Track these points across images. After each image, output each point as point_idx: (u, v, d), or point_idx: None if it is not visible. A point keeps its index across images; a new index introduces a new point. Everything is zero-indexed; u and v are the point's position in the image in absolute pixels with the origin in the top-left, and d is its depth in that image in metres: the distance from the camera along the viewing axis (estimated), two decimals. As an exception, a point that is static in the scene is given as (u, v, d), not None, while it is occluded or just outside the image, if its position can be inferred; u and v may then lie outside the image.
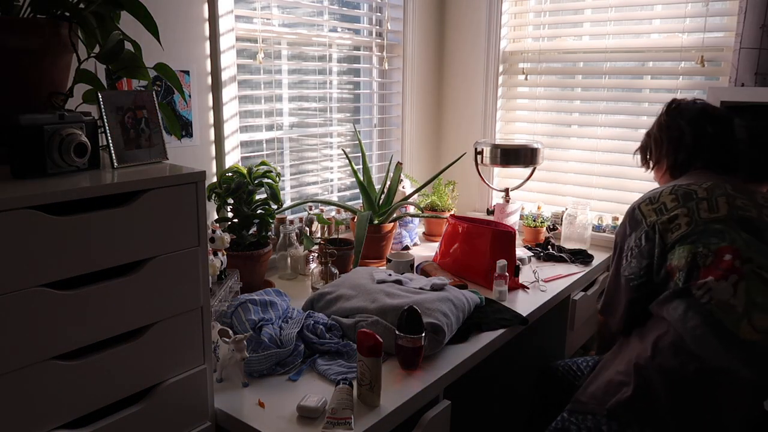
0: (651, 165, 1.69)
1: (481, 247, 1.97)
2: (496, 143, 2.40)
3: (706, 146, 1.54)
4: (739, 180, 1.50)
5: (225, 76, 1.90)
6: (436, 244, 2.50)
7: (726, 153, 1.55)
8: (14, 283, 0.88)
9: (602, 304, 1.57)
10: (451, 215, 2.16)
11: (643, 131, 2.35)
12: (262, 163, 1.89)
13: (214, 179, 1.92)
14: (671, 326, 1.30)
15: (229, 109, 1.94)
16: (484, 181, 2.56)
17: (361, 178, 2.23)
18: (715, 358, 1.23)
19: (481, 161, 2.42)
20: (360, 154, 2.28)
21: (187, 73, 1.81)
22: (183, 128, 1.82)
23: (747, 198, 1.40)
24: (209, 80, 1.88)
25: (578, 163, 2.57)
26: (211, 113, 1.91)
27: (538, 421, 1.87)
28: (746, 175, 1.76)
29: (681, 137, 1.57)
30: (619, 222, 1.69)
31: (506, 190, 2.50)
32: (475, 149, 2.41)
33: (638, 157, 1.74)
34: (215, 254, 1.62)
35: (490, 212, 2.66)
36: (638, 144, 1.74)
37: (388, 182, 2.31)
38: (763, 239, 1.33)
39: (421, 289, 1.62)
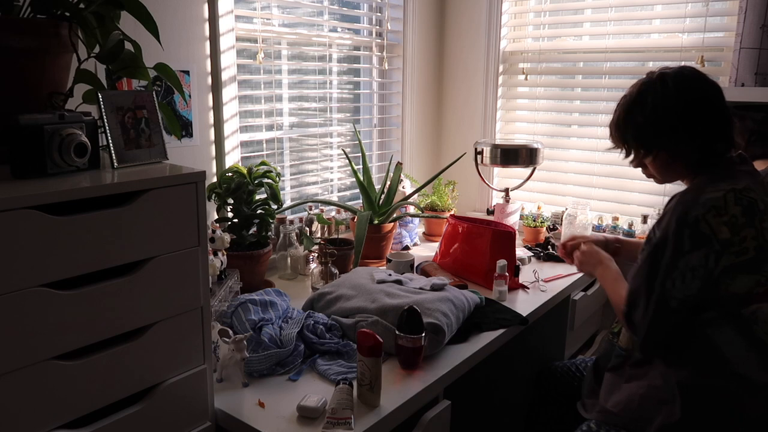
0: (650, 155, 1.38)
1: (481, 247, 1.96)
2: (497, 143, 2.40)
3: (730, 131, 1.34)
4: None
5: (225, 76, 1.90)
6: (436, 244, 2.50)
7: (728, 126, 1.35)
8: (14, 283, 0.88)
9: (644, 334, 1.32)
10: (450, 215, 2.16)
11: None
12: (262, 163, 1.89)
13: (214, 179, 1.92)
14: (714, 345, 1.27)
15: (229, 109, 1.94)
16: (485, 181, 2.56)
17: (361, 178, 2.23)
18: (756, 374, 1.24)
19: (481, 161, 2.42)
20: (360, 154, 2.28)
21: (187, 73, 1.81)
22: (183, 128, 1.82)
23: None
24: (209, 80, 1.88)
25: (578, 163, 2.57)
26: (211, 113, 1.90)
27: (537, 422, 1.87)
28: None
29: (703, 125, 1.31)
30: (647, 227, 1.40)
31: (506, 190, 2.50)
32: (475, 149, 2.41)
33: (625, 148, 1.42)
34: (215, 254, 1.62)
35: (490, 212, 2.66)
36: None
37: (388, 182, 2.31)
38: None
39: (421, 289, 1.62)
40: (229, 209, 1.85)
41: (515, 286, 1.94)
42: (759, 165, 1.78)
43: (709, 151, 1.34)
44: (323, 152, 2.48)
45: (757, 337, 1.25)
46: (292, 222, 2.16)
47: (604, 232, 2.44)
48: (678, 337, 1.32)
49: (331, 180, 2.51)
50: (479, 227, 2.01)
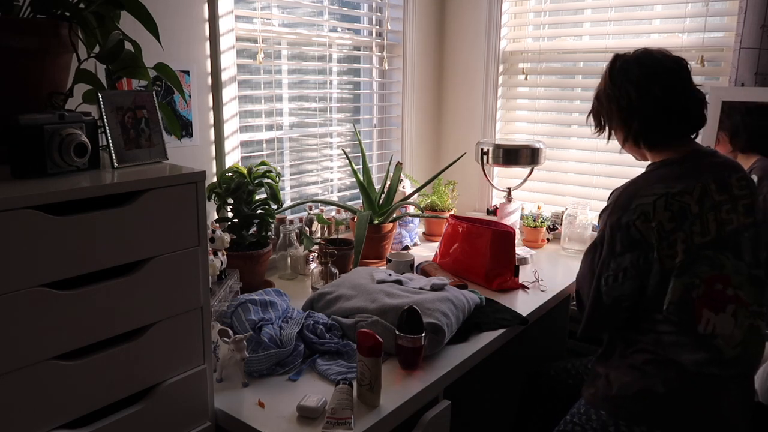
0: (608, 134, 1.55)
1: (481, 248, 1.96)
2: (499, 143, 2.39)
3: (658, 112, 1.40)
4: (711, 151, 1.42)
5: (225, 76, 1.90)
6: (436, 244, 2.49)
7: (682, 113, 1.40)
8: (14, 283, 0.88)
9: (587, 322, 1.46)
10: (450, 215, 2.16)
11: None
12: (262, 163, 1.89)
13: (214, 179, 1.92)
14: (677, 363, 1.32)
15: (229, 109, 1.94)
16: (489, 182, 2.56)
17: (361, 178, 2.23)
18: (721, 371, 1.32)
19: (487, 161, 2.41)
20: (360, 154, 2.28)
21: (187, 73, 1.81)
22: (183, 128, 1.82)
23: (727, 195, 1.34)
24: (209, 80, 1.88)
25: (578, 163, 2.56)
26: (211, 113, 1.90)
27: (527, 423, 1.84)
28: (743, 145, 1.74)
29: (630, 105, 1.42)
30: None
31: (508, 190, 2.50)
32: (481, 150, 2.40)
33: (591, 122, 1.59)
34: (215, 254, 1.62)
35: (490, 212, 2.66)
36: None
37: (388, 182, 2.31)
38: (741, 255, 1.32)
39: (421, 289, 1.62)
40: (229, 209, 1.85)
41: (515, 286, 1.94)
42: (743, 159, 1.78)
43: (634, 133, 1.44)
44: (323, 152, 2.48)
45: (717, 349, 1.29)
46: (292, 222, 2.16)
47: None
48: (622, 330, 1.40)
49: (331, 180, 2.51)
50: (479, 227, 2.01)
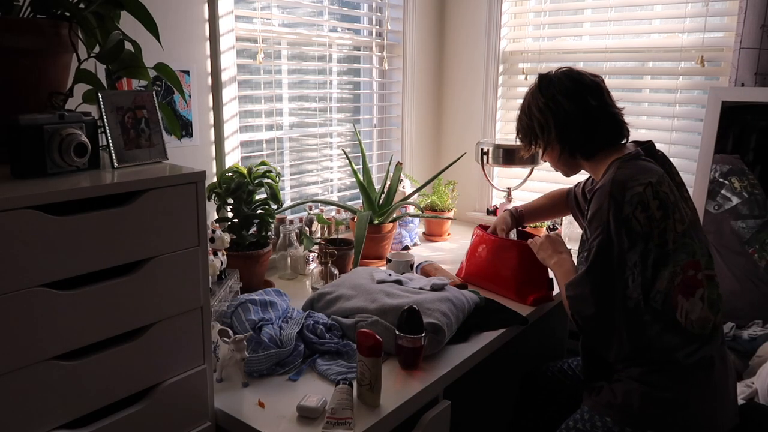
0: (542, 151, 1.57)
1: (511, 261, 1.84)
2: (499, 143, 2.39)
3: (595, 121, 1.45)
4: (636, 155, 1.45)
5: (225, 76, 1.90)
6: (437, 245, 2.50)
7: (613, 120, 1.47)
8: (14, 283, 0.88)
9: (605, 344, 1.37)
10: (478, 227, 2.01)
11: (643, 131, 2.37)
12: (262, 163, 1.89)
13: (214, 179, 1.92)
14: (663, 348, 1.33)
15: (229, 109, 1.94)
16: (489, 182, 2.56)
17: (361, 178, 2.23)
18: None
19: (487, 161, 2.39)
20: (360, 154, 2.28)
21: (187, 73, 1.81)
22: (183, 128, 1.82)
23: (674, 182, 1.42)
24: (209, 80, 1.88)
25: (578, 163, 2.56)
26: (211, 113, 1.90)
27: (522, 423, 1.83)
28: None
29: (567, 116, 1.46)
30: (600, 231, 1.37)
31: (509, 190, 2.49)
32: (481, 150, 2.40)
33: (521, 141, 1.61)
34: (215, 254, 1.62)
35: (490, 212, 2.66)
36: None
37: (388, 182, 2.31)
38: (699, 234, 1.39)
39: (421, 289, 1.62)
40: (229, 209, 1.85)
41: (551, 299, 1.83)
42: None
43: (573, 144, 1.48)
44: (323, 152, 2.48)
45: (692, 334, 1.32)
46: (292, 222, 2.16)
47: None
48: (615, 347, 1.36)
49: (331, 180, 2.51)
50: (506, 240, 1.89)
